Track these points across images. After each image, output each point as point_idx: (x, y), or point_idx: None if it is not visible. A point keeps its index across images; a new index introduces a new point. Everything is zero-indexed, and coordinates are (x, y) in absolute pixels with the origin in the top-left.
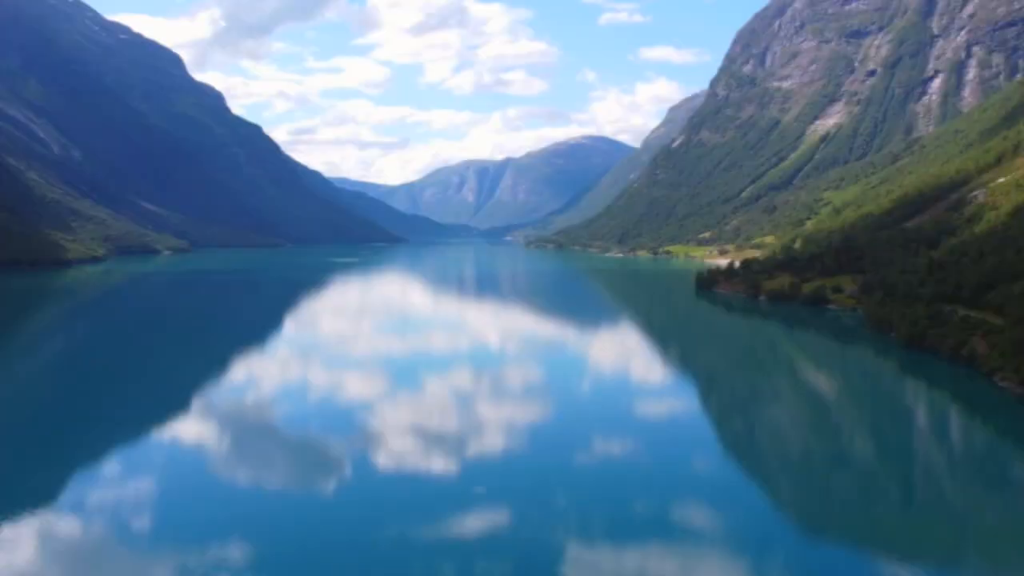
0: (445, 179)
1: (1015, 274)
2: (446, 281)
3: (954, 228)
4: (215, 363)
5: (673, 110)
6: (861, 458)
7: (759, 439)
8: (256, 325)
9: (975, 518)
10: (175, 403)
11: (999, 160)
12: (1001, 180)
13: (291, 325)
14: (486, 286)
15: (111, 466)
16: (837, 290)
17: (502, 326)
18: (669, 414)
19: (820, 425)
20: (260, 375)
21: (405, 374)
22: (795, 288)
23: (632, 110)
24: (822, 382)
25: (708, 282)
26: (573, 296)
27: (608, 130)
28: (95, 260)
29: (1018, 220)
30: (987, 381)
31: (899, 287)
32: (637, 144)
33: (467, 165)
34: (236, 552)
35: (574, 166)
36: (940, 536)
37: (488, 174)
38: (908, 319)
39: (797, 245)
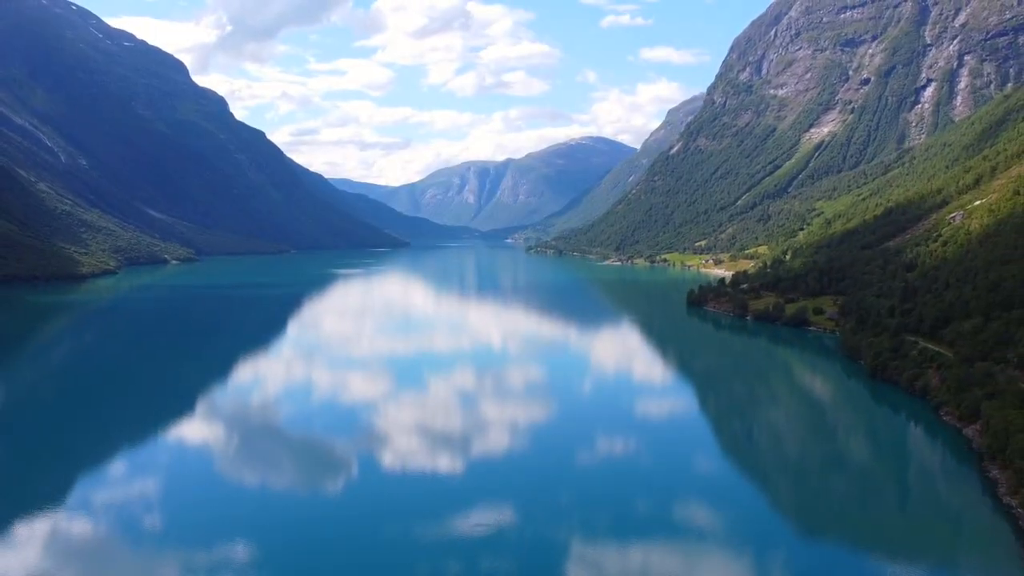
0: (446, 180)
1: (968, 311)
2: (452, 290)
3: (932, 250)
4: (232, 375)
5: (672, 112)
6: (817, 469)
7: (733, 445)
8: (273, 336)
9: (901, 521)
10: (193, 409)
11: (977, 181)
12: (977, 203)
13: (306, 337)
14: (492, 296)
15: (127, 467)
16: (819, 311)
17: (510, 338)
18: (662, 422)
19: (788, 439)
20: (278, 385)
21: (420, 385)
22: (779, 309)
23: (633, 110)
24: (795, 402)
25: (699, 300)
26: (575, 310)
27: (609, 130)
28: (107, 273)
29: (985, 248)
30: (935, 414)
31: (871, 314)
32: (637, 144)
33: (467, 166)
34: (246, 550)
35: (574, 167)
36: (866, 532)
37: (489, 175)
38: (874, 349)
39: (788, 257)
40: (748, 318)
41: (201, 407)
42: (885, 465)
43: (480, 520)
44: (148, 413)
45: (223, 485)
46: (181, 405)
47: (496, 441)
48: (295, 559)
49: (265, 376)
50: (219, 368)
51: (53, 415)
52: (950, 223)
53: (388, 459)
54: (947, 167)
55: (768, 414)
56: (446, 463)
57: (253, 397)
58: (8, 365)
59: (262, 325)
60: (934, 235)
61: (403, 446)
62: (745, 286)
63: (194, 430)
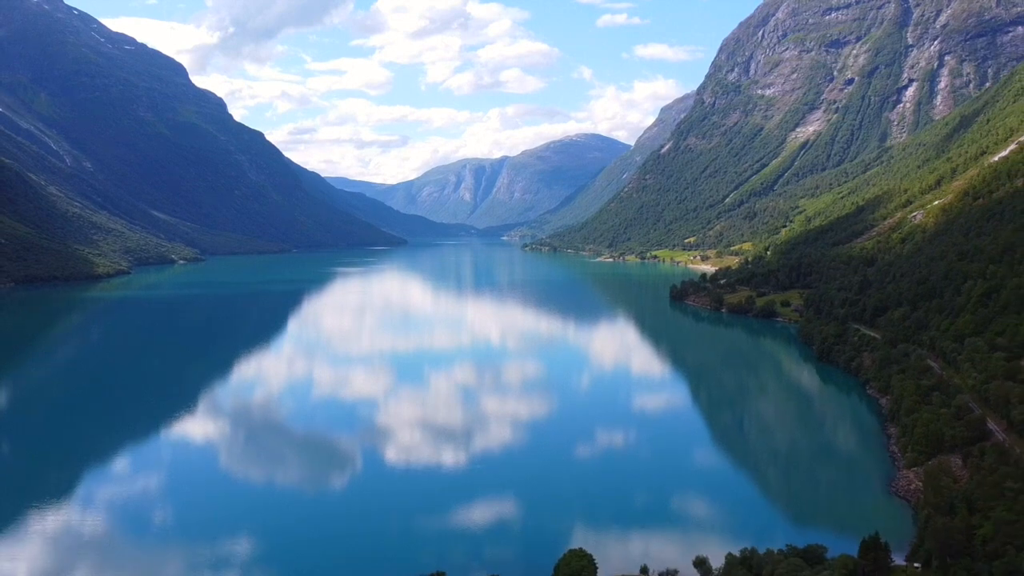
0: (442, 178)
1: (899, 301)
2: (450, 287)
3: (891, 247)
4: (246, 366)
5: (665, 110)
6: (763, 431)
7: (699, 417)
8: (285, 330)
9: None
10: (211, 398)
11: (939, 182)
12: (936, 203)
13: (316, 332)
14: (489, 293)
15: (142, 460)
16: (786, 304)
17: (506, 330)
18: (644, 399)
19: (745, 410)
20: (290, 378)
21: (423, 375)
22: (751, 302)
23: (630, 107)
24: (754, 381)
25: (680, 294)
26: (567, 304)
27: (604, 127)
28: (121, 273)
29: (930, 245)
30: (862, 389)
31: (826, 305)
32: (633, 140)
33: (464, 164)
34: (256, 540)
35: (570, 163)
36: (783, 489)
37: (485, 172)
38: (821, 336)
39: (768, 254)
40: (723, 311)
41: (219, 396)
42: (815, 428)
43: (483, 511)
44: (169, 404)
45: (235, 472)
46: (202, 395)
47: (492, 419)
48: (301, 550)
49: (277, 368)
50: (235, 360)
51: (87, 403)
52: (912, 221)
53: (390, 446)
54: (919, 167)
55: (730, 390)
56: (446, 445)
57: (267, 386)
58: (41, 360)
59: (274, 320)
60: (896, 233)
61: (405, 433)
62: (723, 281)
63: (211, 418)
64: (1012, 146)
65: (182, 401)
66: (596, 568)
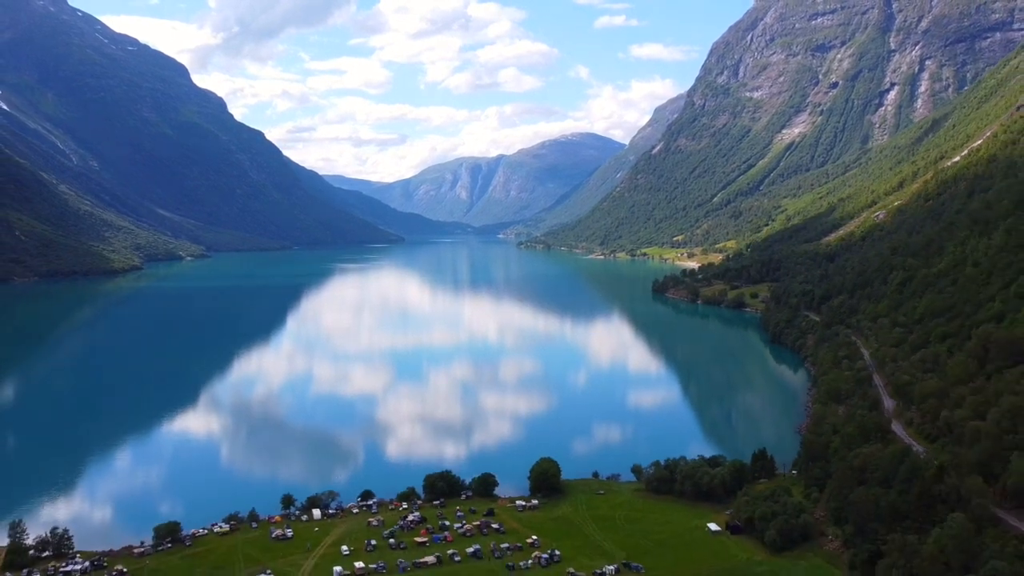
0: (439, 176)
1: (840, 290)
2: (448, 283)
3: (852, 244)
4: (262, 349)
5: (659, 110)
6: (720, 394)
7: (671, 386)
8: (296, 320)
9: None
10: (232, 372)
11: (901, 184)
12: (897, 203)
13: (327, 321)
14: (487, 290)
15: (155, 447)
16: (755, 296)
17: (503, 319)
18: (614, 371)
19: (707, 378)
20: (306, 364)
21: (431, 350)
22: (723, 295)
23: (627, 106)
24: (717, 358)
25: (661, 288)
26: (558, 297)
27: (601, 126)
28: (134, 268)
29: (882, 240)
30: (802, 364)
31: (784, 296)
32: (629, 139)
33: (460, 162)
34: (291, 459)
35: (565, 161)
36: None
37: (481, 171)
38: (774, 322)
39: (748, 252)
40: (699, 302)
41: (243, 366)
42: (754, 391)
43: (475, 419)
44: (192, 383)
45: (267, 410)
46: (227, 366)
47: (485, 371)
48: (340, 456)
49: (297, 343)
50: (251, 343)
51: (125, 378)
52: (875, 220)
53: (405, 389)
54: (891, 168)
55: (690, 364)
56: (449, 390)
57: (294, 349)
58: (83, 345)
59: (282, 309)
60: (859, 231)
61: (415, 379)
62: (700, 276)
63: (213, 414)
64: (964, 152)
65: (208, 377)
66: (560, 471)
